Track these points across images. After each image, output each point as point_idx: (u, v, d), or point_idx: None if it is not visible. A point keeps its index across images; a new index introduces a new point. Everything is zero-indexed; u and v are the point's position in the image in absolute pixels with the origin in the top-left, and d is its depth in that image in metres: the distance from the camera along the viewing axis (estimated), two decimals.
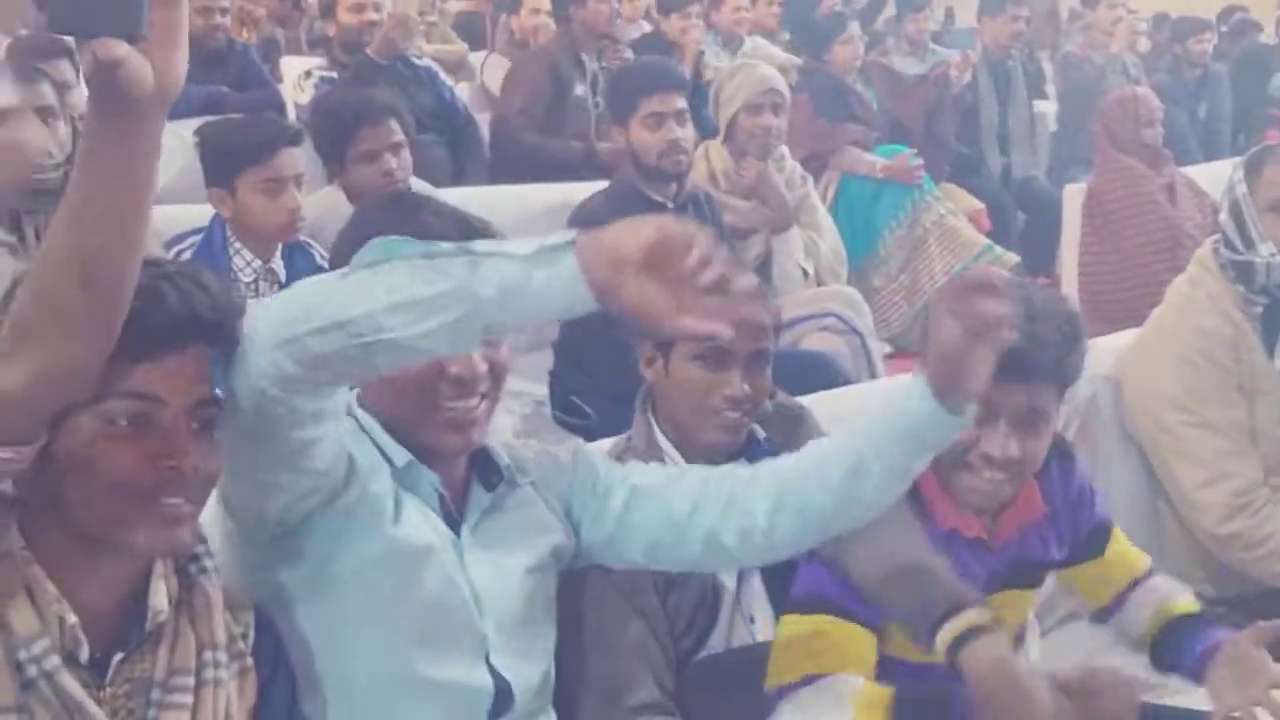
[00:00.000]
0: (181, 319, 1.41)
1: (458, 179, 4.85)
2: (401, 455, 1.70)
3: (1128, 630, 2.17)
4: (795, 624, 1.94)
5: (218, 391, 1.46)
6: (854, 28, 6.07)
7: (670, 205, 3.70)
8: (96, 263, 1.26)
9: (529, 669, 1.76)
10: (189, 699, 1.48)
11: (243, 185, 3.12)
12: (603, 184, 4.04)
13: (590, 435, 2.84)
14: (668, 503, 1.78)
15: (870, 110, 5.84)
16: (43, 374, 1.31)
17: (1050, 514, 2.09)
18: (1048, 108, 7.15)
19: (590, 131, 5.38)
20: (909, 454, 1.66)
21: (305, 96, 4.99)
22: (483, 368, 1.69)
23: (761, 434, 2.14)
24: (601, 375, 3.43)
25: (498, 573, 1.75)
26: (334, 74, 5.11)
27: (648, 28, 6.83)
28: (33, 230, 2.93)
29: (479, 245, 1.40)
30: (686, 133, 3.71)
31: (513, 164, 5.14)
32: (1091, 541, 2.17)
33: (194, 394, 1.43)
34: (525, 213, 4.25)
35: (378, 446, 1.71)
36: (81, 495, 1.40)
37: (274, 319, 1.44)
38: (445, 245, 1.42)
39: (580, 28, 5.43)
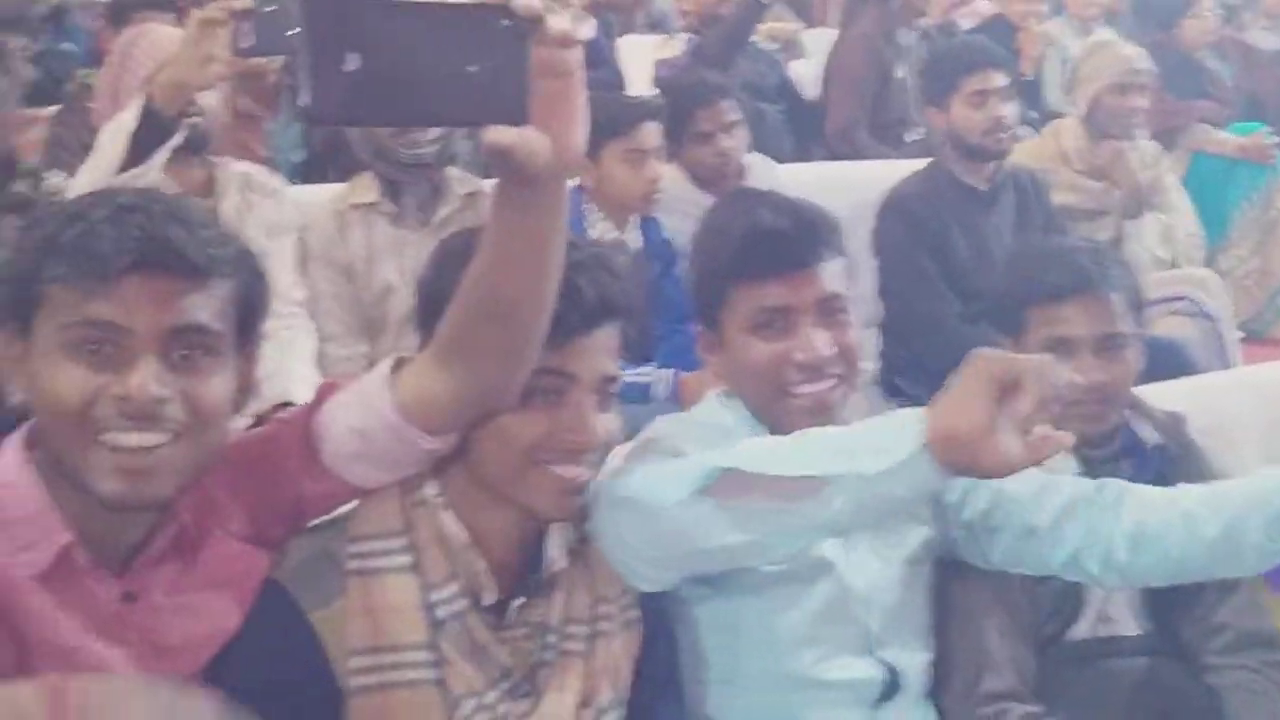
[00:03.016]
0: (594, 308, 1.48)
1: (799, 154, 4.89)
2: None
3: None
4: None
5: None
6: (1206, 1, 5.78)
7: (983, 188, 3.65)
8: (508, 306, 1.34)
9: (913, 658, 1.78)
10: (583, 646, 1.56)
11: (606, 156, 3.22)
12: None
13: None
14: (1032, 516, 1.74)
15: (1224, 86, 5.57)
16: (463, 389, 1.42)
17: None
18: None
19: (909, 114, 5.32)
20: None
21: (673, 51, 5.13)
22: (830, 351, 1.71)
23: (1153, 438, 2.08)
24: (927, 352, 3.42)
25: (881, 565, 1.76)
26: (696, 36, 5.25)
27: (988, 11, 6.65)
28: (413, 201, 3.11)
29: (832, 466, 1.37)
30: (1010, 110, 3.65)
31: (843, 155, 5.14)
32: None
33: (601, 371, 1.51)
34: (863, 191, 4.26)
35: None
36: (491, 456, 1.50)
37: (641, 540, 1.53)
38: (792, 471, 1.40)
39: (900, 5, 5.37)
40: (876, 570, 1.75)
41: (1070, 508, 1.72)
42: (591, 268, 1.48)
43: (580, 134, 1.21)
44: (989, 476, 1.32)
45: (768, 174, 3.89)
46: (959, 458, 1.29)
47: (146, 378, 1.32)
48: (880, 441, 1.33)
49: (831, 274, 1.74)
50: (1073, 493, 1.74)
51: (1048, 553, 1.73)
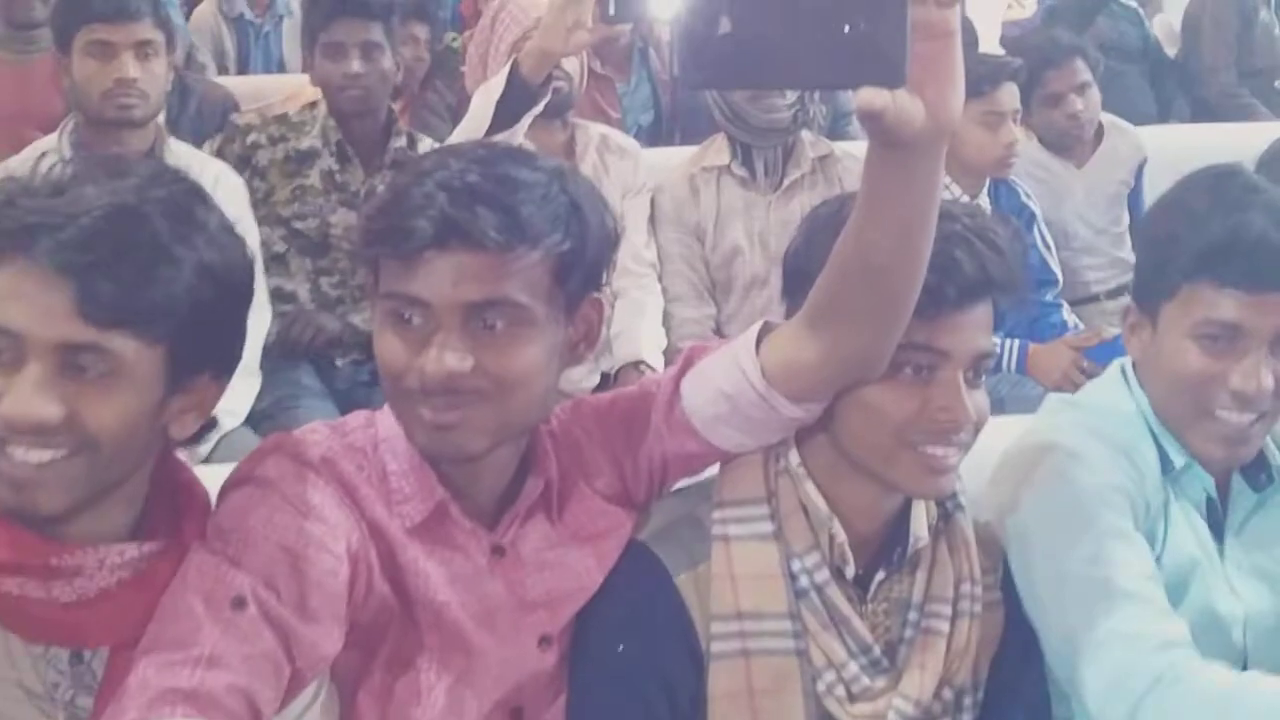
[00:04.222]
0: (973, 282, 1.44)
1: (1162, 115, 4.69)
2: (1181, 457, 1.65)
3: None
4: None
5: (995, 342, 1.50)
6: None
7: None
8: (881, 272, 1.31)
9: None
10: (945, 625, 1.53)
11: (962, 117, 3.15)
12: None
13: None
14: None
15: None
16: (833, 356, 1.40)
17: None
18: None
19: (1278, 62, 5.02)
20: None
21: (1023, 13, 5.02)
22: (1269, 384, 1.58)
23: None
24: None
25: (1261, 579, 1.67)
26: None
27: None
28: (762, 165, 3.12)
29: None
30: None
31: (1207, 106, 4.89)
32: None
33: (975, 348, 1.46)
34: (1228, 155, 4.03)
35: (1158, 445, 1.67)
36: (858, 432, 1.48)
37: None
38: None
39: None
40: (1255, 584, 1.66)
41: None
42: (971, 240, 1.44)
43: (957, 98, 1.16)
44: None
45: (1126, 138, 3.77)
46: None
47: (442, 353, 1.35)
48: None
49: None
50: None
51: None
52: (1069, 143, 3.69)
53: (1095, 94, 3.67)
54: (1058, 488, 1.61)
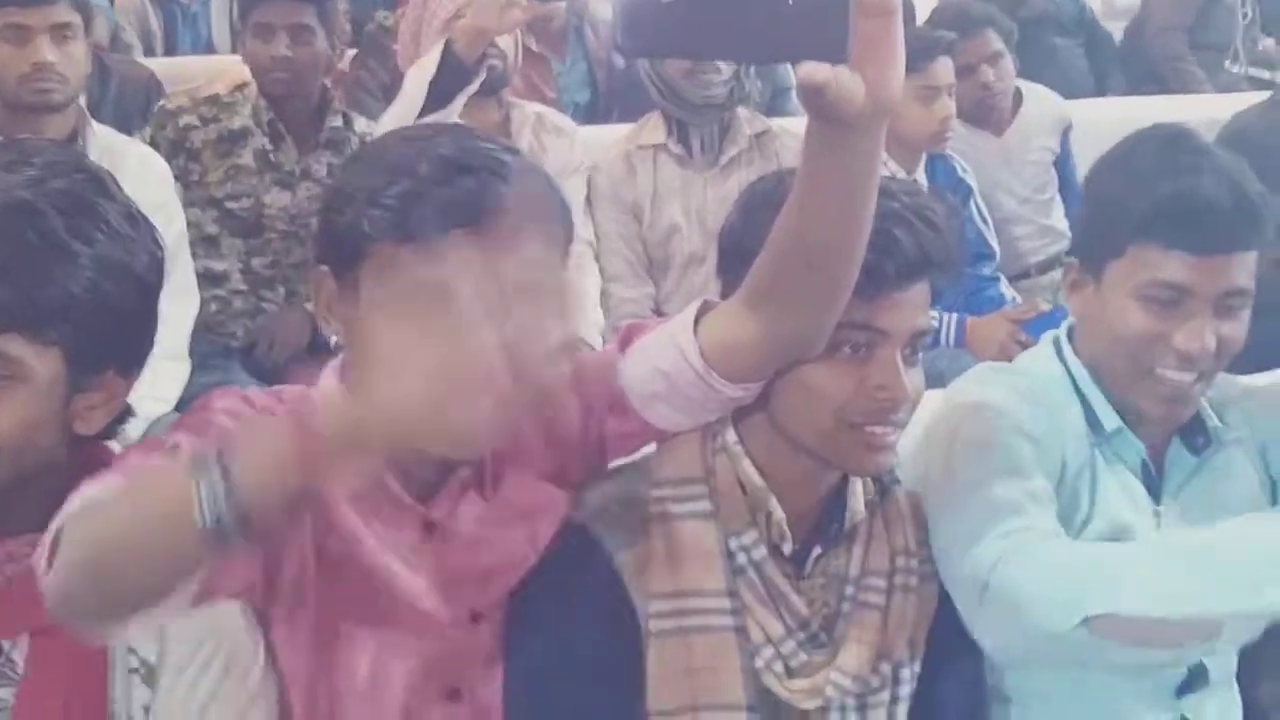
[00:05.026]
0: (912, 262, 1.43)
1: (1098, 90, 4.72)
2: (1112, 420, 1.66)
3: None
4: None
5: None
6: None
7: None
8: (820, 251, 1.31)
9: (1223, 647, 1.67)
10: (882, 599, 1.54)
11: None
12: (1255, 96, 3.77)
13: None
14: None
15: None
16: (771, 335, 1.39)
17: None
18: None
19: (1237, 41, 5.06)
20: None
21: None
22: (1211, 344, 1.58)
23: None
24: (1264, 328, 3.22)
25: None
26: None
27: None
28: (699, 142, 3.11)
29: (1230, 602, 1.31)
30: None
31: (1146, 77, 4.93)
32: None
33: (913, 326, 1.47)
34: None
35: (1085, 406, 1.67)
36: (797, 412, 1.47)
37: (1026, 649, 1.48)
38: (1181, 612, 1.34)
39: None
40: None
41: None
42: (910, 219, 1.43)
43: (898, 77, 1.15)
44: None
45: (1045, 104, 3.83)
46: None
47: None
48: None
49: (1245, 265, 1.60)
50: None
51: None
52: (984, 113, 3.70)
53: (1008, 64, 3.69)
54: (968, 436, 1.61)
